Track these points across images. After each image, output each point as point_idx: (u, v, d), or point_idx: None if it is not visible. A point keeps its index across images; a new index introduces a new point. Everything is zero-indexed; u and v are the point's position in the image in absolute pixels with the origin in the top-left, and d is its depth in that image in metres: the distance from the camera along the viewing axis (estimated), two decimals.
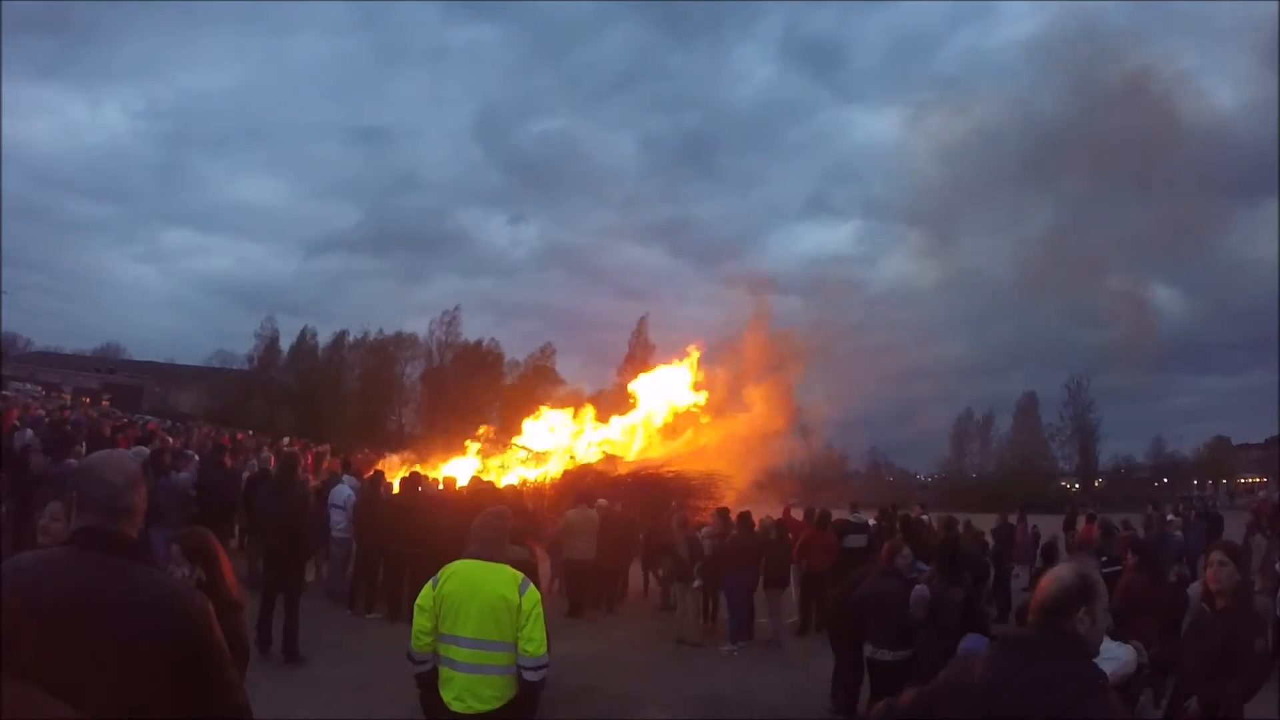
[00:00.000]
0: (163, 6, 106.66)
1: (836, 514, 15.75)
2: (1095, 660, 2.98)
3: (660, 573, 15.45)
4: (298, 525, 10.70)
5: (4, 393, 32.90)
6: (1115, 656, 4.32)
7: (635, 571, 16.56)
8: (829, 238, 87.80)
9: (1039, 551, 14.83)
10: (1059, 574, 3.01)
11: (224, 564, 4.62)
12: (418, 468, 18.33)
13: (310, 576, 13.03)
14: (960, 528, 14.45)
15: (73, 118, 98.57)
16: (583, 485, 19.59)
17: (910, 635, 8.26)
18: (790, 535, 14.48)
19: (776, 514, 16.24)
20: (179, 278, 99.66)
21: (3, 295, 57.39)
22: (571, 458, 23.57)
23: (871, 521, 16.31)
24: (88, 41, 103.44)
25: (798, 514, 16.46)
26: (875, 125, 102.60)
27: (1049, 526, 21.60)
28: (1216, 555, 5.57)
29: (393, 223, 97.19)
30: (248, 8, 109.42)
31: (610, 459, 23.17)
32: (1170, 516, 22.08)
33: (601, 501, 16.10)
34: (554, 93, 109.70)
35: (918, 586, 8.77)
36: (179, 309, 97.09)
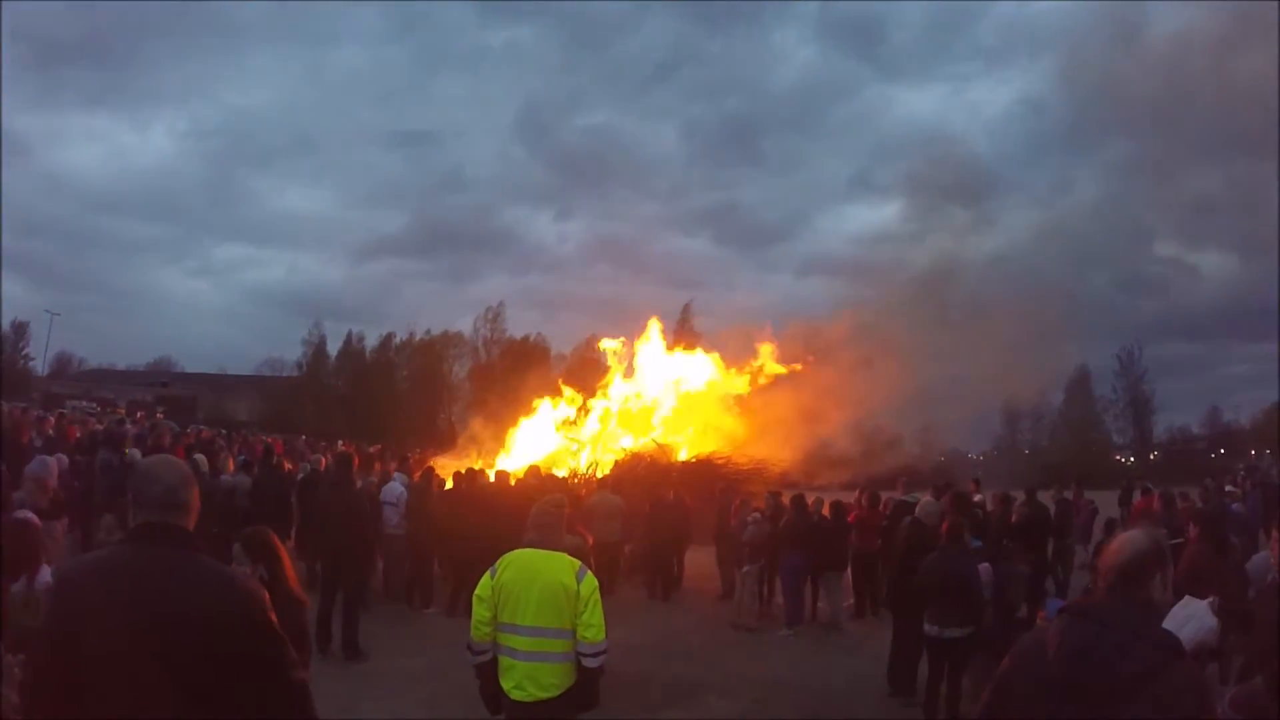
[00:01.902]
0: (204, 28, 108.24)
1: (888, 494, 15.65)
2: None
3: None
4: (355, 523, 10.79)
5: (61, 411, 33.54)
6: (1195, 614, 4.21)
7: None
8: (875, 217, 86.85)
9: (1103, 526, 14.61)
10: (1134, 540, 2.93)
11: (285, 561, 4.69)
12: (477, 464, 18.51)
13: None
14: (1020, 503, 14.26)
15: (122, 143, 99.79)
16: (635, 475, 19.69)
17: (976, 612, 8.19)
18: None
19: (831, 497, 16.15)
20: (231, 291, 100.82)
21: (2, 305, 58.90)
22: (624, 448, 23.63)
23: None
24: (131, 69, 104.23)
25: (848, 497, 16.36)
26: (917, 101, 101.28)
27: (1105, 501, 21.36)
28: (1276, 533, 5.43)
29: (439, 224, 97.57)
30: (288, 23, 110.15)
31: (662, 447, 23.21)
32: (1229, 488, 21.69)
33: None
34: (594, 87, 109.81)
35: (983, 564, 8.71)
36: (231, 321, 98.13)
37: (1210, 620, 4.30)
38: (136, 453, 14.86)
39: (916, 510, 10.47)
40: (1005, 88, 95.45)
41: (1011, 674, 2.98)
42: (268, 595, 2.94)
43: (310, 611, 6.92)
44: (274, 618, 2.85)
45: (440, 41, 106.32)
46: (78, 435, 18.83)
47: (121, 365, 76.66)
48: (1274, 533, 5.50)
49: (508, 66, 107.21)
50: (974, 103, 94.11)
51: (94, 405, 45.43)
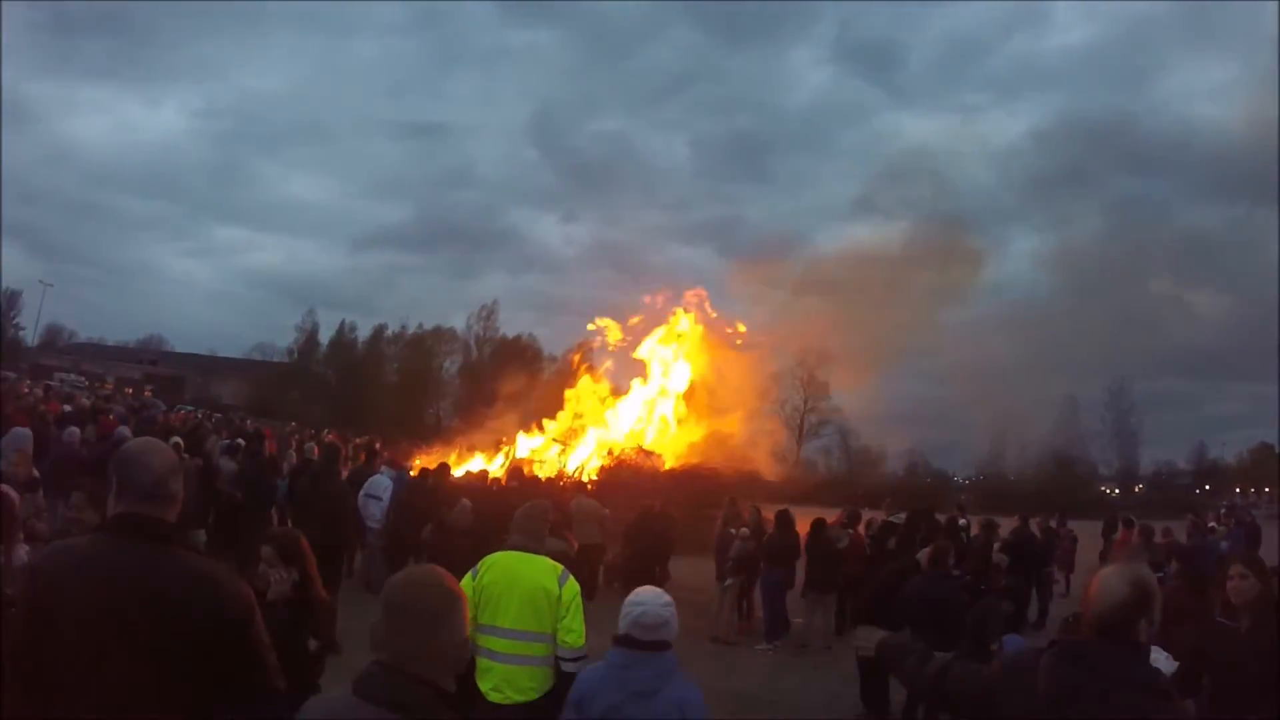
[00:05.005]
0: (223, 9, 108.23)
1: (870, 514, 15.66)
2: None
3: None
4: (337, 515, 10.73)
5: (48, 383, 33.40)
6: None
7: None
8: (877, 240, 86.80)
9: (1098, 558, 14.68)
10: (1112, 587, 2.85)
11: (313, 563, 4.62)
12: (451, 459, 18.49)
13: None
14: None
15: (129, 117, 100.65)
16: (621, 481, 19.68)
17: (956, 638, 8.17)
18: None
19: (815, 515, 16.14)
20: (227, 273, 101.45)
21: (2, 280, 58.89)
22: (610, 452, 23.59)
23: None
24: (147, 43, 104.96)
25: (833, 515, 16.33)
26: (926, 128, 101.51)
27: (1089, 531, 21.38)
28: (1236, 568, 5.36)
29: (444, 220, 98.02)
30: (308, 9, 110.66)
31: (648, 454, 23.21)
32: (1213, 524, 21.68)
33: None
34: (609, 94, 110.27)
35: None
36: (224, 303, 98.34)
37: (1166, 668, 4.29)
38: (125, 430, 14.77)
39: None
40: (1014, 120, 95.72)
41: (997, 687, 2.97)
42: (253, 594, 2.79)
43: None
44: (259, 624, 2.70)
45: (460, 37, 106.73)
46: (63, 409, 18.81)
47: (111, 340, 76.68)
48: (1232, 570, 5.45)
49: (525, 67, 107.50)
50: (982, 134, 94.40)
51: (82, 379, 45.27)
